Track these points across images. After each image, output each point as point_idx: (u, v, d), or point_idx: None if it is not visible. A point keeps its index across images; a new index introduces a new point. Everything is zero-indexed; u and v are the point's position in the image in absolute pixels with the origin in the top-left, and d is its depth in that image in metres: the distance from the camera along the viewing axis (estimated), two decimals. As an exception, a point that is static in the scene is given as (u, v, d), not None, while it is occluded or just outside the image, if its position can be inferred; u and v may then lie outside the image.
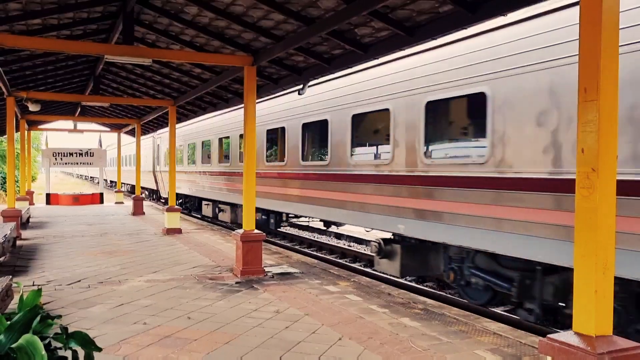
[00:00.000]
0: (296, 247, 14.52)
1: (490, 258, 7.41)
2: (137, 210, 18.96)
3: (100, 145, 37.91)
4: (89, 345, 2.98)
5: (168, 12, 7.91)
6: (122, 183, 30.45)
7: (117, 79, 13.56)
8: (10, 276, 6.11)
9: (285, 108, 12.53)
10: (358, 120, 9.77)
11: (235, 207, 16.43)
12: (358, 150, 9.93)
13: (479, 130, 7.25)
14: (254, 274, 8.18)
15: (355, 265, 11.76)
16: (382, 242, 9.01)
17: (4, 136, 24.98)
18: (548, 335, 3.58)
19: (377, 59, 8.09)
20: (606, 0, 3.41)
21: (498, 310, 8.08)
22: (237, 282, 7.79)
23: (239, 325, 5.61)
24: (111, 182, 44.43)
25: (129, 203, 22.45)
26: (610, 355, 3.26)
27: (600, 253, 3.42)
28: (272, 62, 9.02)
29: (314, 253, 13.24)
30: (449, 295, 9.02)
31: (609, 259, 3.45)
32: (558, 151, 6.02)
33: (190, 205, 21.54)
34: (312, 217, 13.24)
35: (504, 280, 7.24)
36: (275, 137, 13.23)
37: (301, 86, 10.95)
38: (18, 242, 11.42)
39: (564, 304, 6.59)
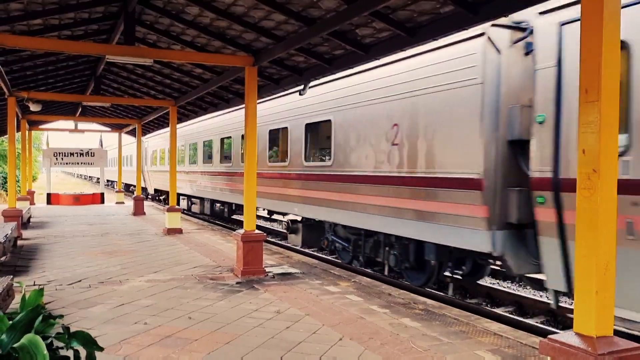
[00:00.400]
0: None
1: (343, 228, 10.88)
2: (138, 211, 18.98)
3: (101, 145, 37.85)
4: (91, 345, 2.98)
5: (169, 13, 7.91)
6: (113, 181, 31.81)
7: (118, 79, 13.57)
8: (12, 276, 6.12)
9: (236, 120, 15.68)
10: (272, 134, 13.75)
11: (203, 201, 20.26)
12: (271, 156, 13.91)
13: (329, 143, 10.77)
14: (254, 274, 8.19)
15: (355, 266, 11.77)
16: (290, 222, 13.06)
17: (5, 136, 24.98)
18: (549, 336, 3.58)
19: (378, 59, 8.11)
20: (607, 3, 3.41)
21: (499, 311, 8.13)
22: (237, 282, 7.80)
23: (240, 326, 5.61)
24: (108, 181, 44.51)
25: (129, 203, 22.47)
26: (611, 356, 3.26)
27: (601, 254, 3.42)
28: (273, 63, 9.03)
29: (315, 254, 13.24)
30: (450, 296, 9.04)
31: (610, 260, 3.45)
32: (366, 158, 9.52)
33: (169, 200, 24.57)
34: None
35: (346, 242, 10.82)
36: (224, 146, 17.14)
37: (302, 87, 10.99)
38: (19, 242, 11.43)
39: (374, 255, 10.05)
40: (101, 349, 3.03)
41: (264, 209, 15.63)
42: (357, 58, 7.81)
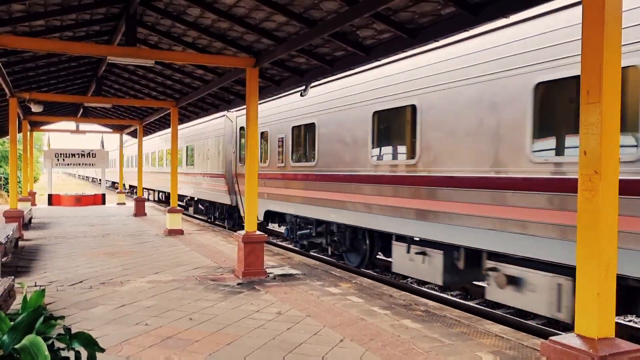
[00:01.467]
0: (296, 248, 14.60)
1: (208, 202, 19.88)
2: (139, 211, 18.99)
3: (103, 146, 37.89)
4: (92, 345, 2.98)
5: (171, 14, 7.92)
6: (107, 180, 38.56)
7: (120, 80, 13.58)
8: (13, 277, 6.13)
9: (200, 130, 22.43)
10: (190, 149, 22.57)
11: (163, 194, 29.42)
12: (185, 164, 22.88)
13: (193, 158, 21.20)
14: (255, 275, 8.19)
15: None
16: (189, 199, 22.18)
17: (7, 137, 25.01)
18: (550, 338, 3.58)
19: (379, 60, 8.12)
20: (609, 4, 3.41)
21: (500, 312, 8.13)
22: (238, 284, 7.80)
23: (241, 327, 5.61)
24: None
25: (130, 204, 22.49)
26: (612, 358, 3.26)
27: (603, 255, 3.42)
28: (274, 64, 9.03)
29: (316, 255, 13.24)
30: (451, 298, 9.04)
31: (611, 261, 3.44)
32: (206, 165, 18.93)
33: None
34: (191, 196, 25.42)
35: (201, 205, 21.10)
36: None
37: (303, 87, 11.00)
38: (20, 243, 11.44)
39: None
40: (102, 350, 3.03)
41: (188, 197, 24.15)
42: (358, 59, 7.81)
